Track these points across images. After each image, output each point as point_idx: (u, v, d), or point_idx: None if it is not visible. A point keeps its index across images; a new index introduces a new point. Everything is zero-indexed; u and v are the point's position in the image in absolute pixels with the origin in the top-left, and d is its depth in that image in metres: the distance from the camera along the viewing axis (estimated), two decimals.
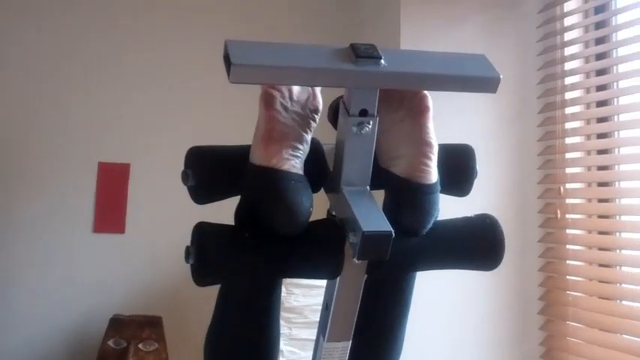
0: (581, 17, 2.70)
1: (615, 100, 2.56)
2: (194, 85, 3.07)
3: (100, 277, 2.88)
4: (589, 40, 2.66)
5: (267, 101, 0.98)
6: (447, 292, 2.62)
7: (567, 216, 2.65)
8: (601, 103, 2.60)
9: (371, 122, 0.93)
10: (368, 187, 0.96)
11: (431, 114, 1.00)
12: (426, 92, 1.00)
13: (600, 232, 2.58)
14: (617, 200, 2.58)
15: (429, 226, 0.97)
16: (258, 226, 0.96)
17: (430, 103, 1.01)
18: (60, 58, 2.93)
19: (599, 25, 2.62)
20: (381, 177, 0.98)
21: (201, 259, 0.94)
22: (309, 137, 1.00)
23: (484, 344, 2.71)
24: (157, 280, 2.95)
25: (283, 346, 2.51)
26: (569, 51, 2.70)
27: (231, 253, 0.97)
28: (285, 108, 0.98)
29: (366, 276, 0.98)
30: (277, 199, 0.93)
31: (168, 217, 2.97)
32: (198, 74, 3.06)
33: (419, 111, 0.99)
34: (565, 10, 2.71)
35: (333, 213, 1.01)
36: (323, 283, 2.46)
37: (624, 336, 2.44)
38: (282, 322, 2.49)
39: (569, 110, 2.67)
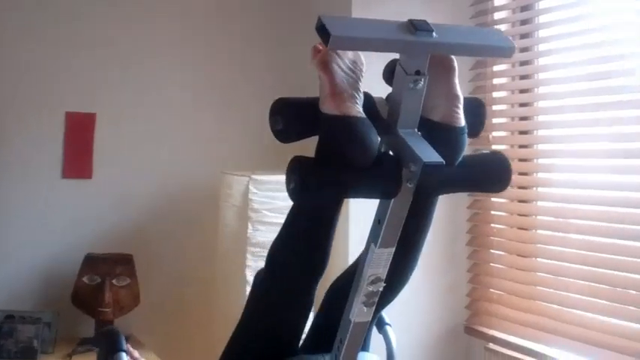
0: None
1: (535, 60, 2.97)
2: (158, 36, 3.24)
3: (72, 219, 3.05)
4: (515, 8, 3.04)
5: (325, 66, 1.27)
6: None
7: None
8: (524, 63, 2.99)
9: (422, 79, 1.23)
10: (416, 130, 1.27)
11: (457, 72, 1.31)
12: (452, 56, 1.31)
13: (520, 173, 2.98)
14: (534, 146, 2.99)
15: (460, 159, 1.29)
16: (334, 161, 1.24)
17: (455, 64, 1.32)
18: (29, 10, 3.01)
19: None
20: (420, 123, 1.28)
21: (303, 184, 1.22)
22: (361, 88, 1.29)
23: (418, 272, 3.08)
24: (125, 220, 3.16)
25: (249, 277, 2.79)
26: (498, 15, 3.07)
27: (323, 177, 1.25)
28: (340, 68, 1.27)
29: (412, 197, 1.29)
30: (353, 139, 1.21)
31: (132, 162, 3.18)
32: (162, 26, 3.24)
33: (448, 71, 1.30)
34: None
35: (383, 150, 1.31)
36: (282, 220, 2.74)
37: (539, 259, 2.90)
38: (247, 256, 2.80)
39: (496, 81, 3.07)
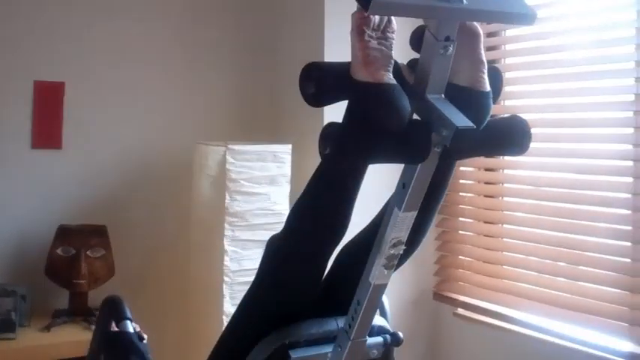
0: None
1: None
2: (130, 6, 3.18)
3: (43, 190, 3.00)
4: None
5: (359, 33, 1.28)
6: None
7: None
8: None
9: (452, 45, 1.26)
10: (443, 95, 1.30)
11: (482, 38, 1.35)
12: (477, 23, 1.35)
13: None
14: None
15: (485, 123, 1.33)
16: (366, 126, 1.27)
17: (480, 30, 1.35)
18: None
19: None
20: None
21: (340, 148, 1.25)
22: (392, 55, 1.32)
23: None
24: (98, 191, 3.12)
25: (227, 246, 2.81)
26: None
27: (358, 143, 1.27)
28: (372, 36, 1.29)
29: (437, 161, 1.33)
30: (387, 106, 1.23)
31: (104, 132, 3.14)
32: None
33: (474, 37, 1.34)
34: None
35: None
36: (262, 190, 2.75)
37: (504, 225, 3.00)
38: (225, 226, 2.81)
39: None
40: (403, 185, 1.36)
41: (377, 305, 1.50)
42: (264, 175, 2.87)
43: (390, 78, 1.27)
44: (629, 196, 2.48)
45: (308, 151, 3.07)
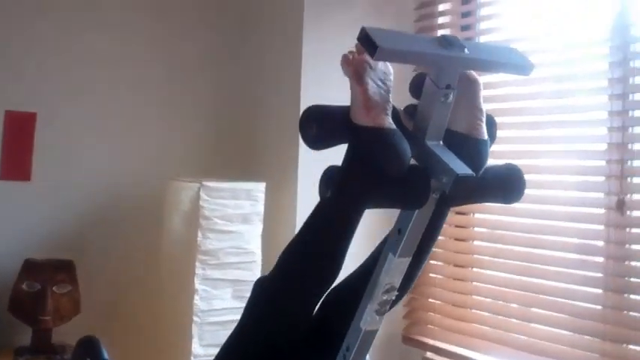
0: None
1: None
2: (102, 38, 3.16)
3: (9, 222, 2.93)
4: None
5: (359, 77, 1.29)
6: None
7: None
8: None
9: (452, 93, 1.27)
10: (442, 142, 1.31)
11: (481, 87, 1.36)
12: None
13: None
14: None
15: (482, 170, 1.34)
16: (366, 171, 1.26)
17: (479, 79, 1.37)
18: None
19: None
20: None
21: (341, 192, 1.24)
22: (391, 100, 1.32)
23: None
24: (65, 225, 3.06)
25: (198, 285, 2.76)
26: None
27: (359, 187, 1.27)
28: (373, 80, 1.29)
29: (434, 207, 1.33)
30: (389, 149, 1.23)
31: (73, 165, 3.09)
32: (106, 28, 3.17)
33: (473, 85, 1.35)
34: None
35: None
36: (234, 228, 2.72)
37: (474, 269, 3.00)
38: (196, 264, 2.77)
39: None
40: (399, 231, 1.36)
41: (366, 352, 1.48)
42: (237, 213, 2.84)
43: (390, 123, 1.28)
44: (602, 243, 2.51)
45: (281, 189, 3.06)
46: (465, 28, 3.13)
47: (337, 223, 1.37)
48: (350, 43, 3.15)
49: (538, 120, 2.79)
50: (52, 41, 3.05)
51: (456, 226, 3.13)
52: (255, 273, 2.89)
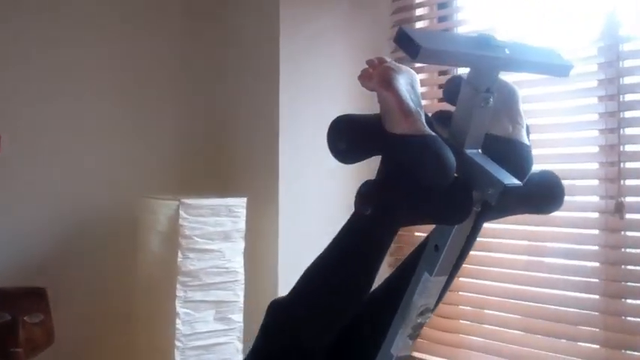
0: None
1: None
2: (68, 54, 2.99)
3: None
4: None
5: (389, 84, 1.19)
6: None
7: None
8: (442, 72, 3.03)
9: (491, 97, 1.18)
10: (480, 150, 1.21)
11: (520, 94, 1.28)
12: None
13: None
14: None
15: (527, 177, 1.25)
16: (406, 183, 1.16)
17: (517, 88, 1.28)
18: None
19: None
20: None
21: (385, 209, 1.14)
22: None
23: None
24: (36, 251, 2.89)
25: (179, 308, 2.62)
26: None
27: (401, 202, 1.16)
28: (401, 85, 1.20)
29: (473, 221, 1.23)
30: (435, 158, 1.12)
31: (41, 187, 2.92)
32: (72, 45, 3.00)
33: (513, 93, 1.27)
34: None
35: None
36: (215, 247, 2.60)
37: (460, 278, 2.92)
38: (177, 286, 2.63)
39: None
40: (436, 247, 1.25)
41: None
42: (218, 230, 2.71)
43: (429, 130, 1.17)
44: (597, 248, 2.46)
45: (262, 204, 2.94)
46: (442, 19, 3.08)
47: (376, 244, 1.26)
48: (327, 45, 3.08)
49: (528, 123, 2.72)
50: (15, 62, 2.88)
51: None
52: (238, 293, 2.76)
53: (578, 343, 2.49)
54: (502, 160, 1.21)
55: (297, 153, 2.96)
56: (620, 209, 2.34)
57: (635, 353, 2.36)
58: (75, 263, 2.96)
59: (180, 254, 2.62)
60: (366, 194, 1.18)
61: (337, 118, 1.22)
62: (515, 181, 1.15)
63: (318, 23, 3.00)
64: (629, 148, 2.41)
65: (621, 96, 2.41)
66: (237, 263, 2.76)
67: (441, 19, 3.08)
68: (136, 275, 2.88)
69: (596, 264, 2.47)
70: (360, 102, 3.04)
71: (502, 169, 1.18)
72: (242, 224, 2.77)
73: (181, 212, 2.62)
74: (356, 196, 1.19)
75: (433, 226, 1.35)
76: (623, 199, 2.37)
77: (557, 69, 1.26)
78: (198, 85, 3.29)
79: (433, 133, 1.16)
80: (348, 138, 1.20)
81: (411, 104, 1.18)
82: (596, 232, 2.47)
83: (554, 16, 2.64)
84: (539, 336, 2.59)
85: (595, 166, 2.49)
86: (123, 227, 2.97)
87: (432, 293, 1.28)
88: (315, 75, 3.00)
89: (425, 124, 1.18)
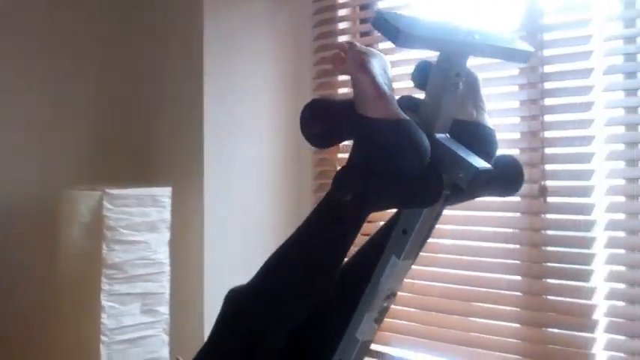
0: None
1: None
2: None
3: None
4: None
5: (363, 67, 1.17)
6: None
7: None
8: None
9: (461, 82, 1.19)
10: (448, 134, 1.22)
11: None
12: None
13: None
14: None
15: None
16: (379, 168, 1.15)
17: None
18: None
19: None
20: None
21: (363, 195, 1.13)
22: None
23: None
24: None
25: (104, 302, 2.54)
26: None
27: (380, 188, 1.15)
28: (375, 68, 1.19)
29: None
30: (411, 142, 1.10)
31: None
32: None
33: (476, 80, 1.28)
34: None
35: None
36: (141, 238, 2.53)
37: None
38: (102, 279, 2.55)
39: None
40: (404, 231, 1.26)
41: None
42: (143, 221, 2.63)
43: (403, 114, 1.17)
44: (518, 231, 2.55)
45: (187, 194, 2.88)
46: (364, 34, 3.01)
47: (351, 231, 1.25)
48: (250, 35, 3.01)
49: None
50: None
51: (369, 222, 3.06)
52: (164, 284, 2.70)
53: (501, 323, 2.57)
54: (470, 145, 1.22)
55: (223, 142, 2.91)
56: (543, 192, 2.43)
57: (555, 330, 2.47)
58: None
59: (105, 246, 2.53)
60: (346, 180, 1.16)
61: (312, 102, 1.20)
62: (487, 165, 1.17)
63: (241, 15, 2.95)
64: (549, 134, 2.50)
65: (543, 84, 2.50)
66: (163, 254, 2.69)
67: (363, 34, 3.02)
68: (58, 269, 2.76)
69: (517, 246, 2.56)
70: (284, 91, 3.08)
71: (472, 153, 1.19)
72: (167, 214, 2.71)
73: (105, 203, 2.53)
74: (334, 182, 1.17)
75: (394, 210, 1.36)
76: (544, 182, 2.46)
77: (519, 55, 1.28)
78: (121, 73, 3.17)
79: (407, 117, 1.16)
80: (323, 124, 1.19)
81: (386, 88, 1.18)
82: (518, 214, 2.55)
83: (476, 5, 2.70)
84: (462, 317, 2.66)
85: (516, 152, 2.58)
86: (42, 221, 2.84)
87: (400, 277, 1.29)
88: (239, 65, 2.95)
89: (399, 108, 1.18)
